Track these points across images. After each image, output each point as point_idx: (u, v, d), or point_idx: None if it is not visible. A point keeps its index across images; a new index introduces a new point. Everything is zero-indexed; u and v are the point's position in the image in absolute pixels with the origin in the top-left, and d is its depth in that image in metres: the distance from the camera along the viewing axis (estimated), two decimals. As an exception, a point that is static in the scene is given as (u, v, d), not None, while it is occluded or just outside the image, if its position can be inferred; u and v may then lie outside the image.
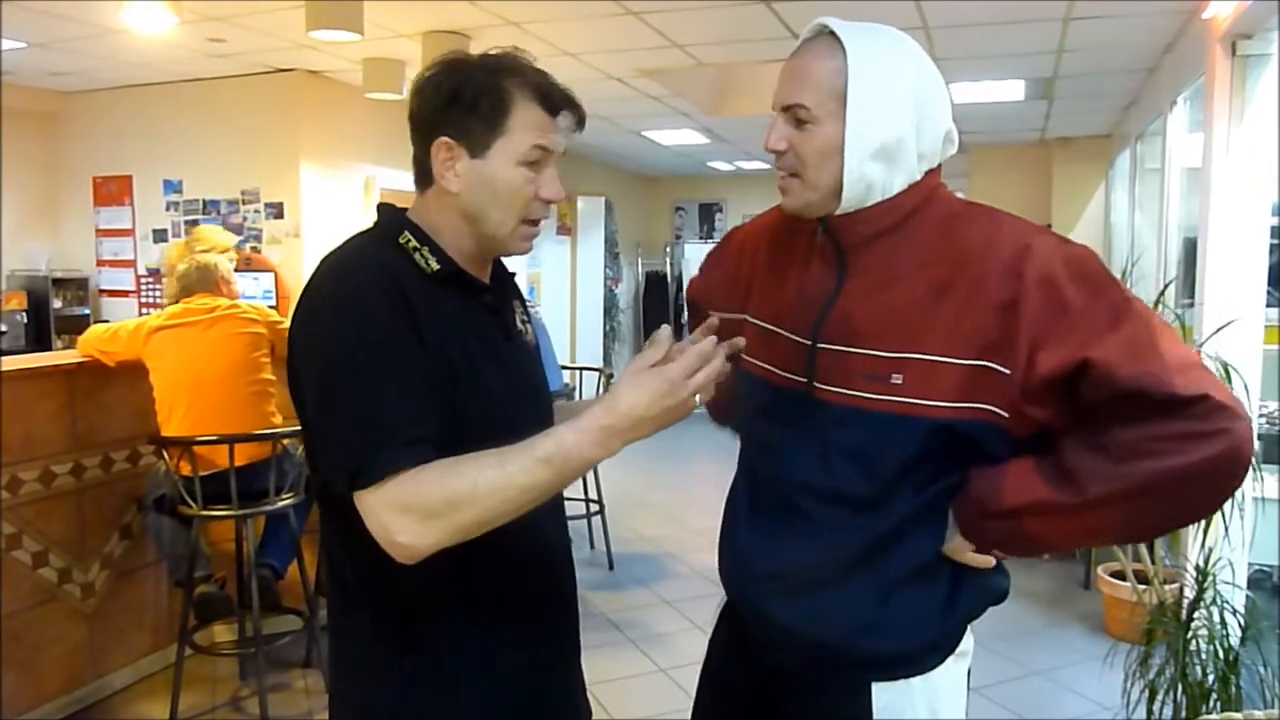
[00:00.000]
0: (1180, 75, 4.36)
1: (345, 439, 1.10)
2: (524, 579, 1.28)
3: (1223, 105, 3.38)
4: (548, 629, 1.33)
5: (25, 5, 3.99)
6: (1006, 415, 1.17)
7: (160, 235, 5.85)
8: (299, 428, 1.22)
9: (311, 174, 5.49)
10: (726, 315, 1.28)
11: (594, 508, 4.86)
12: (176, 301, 3.23)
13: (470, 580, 1.20)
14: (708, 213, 10.95)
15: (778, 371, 1.31)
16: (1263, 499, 3.05)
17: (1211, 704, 2.59)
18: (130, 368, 3.15)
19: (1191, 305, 3.78)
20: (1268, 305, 3.44)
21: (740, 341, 1.18)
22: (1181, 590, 3.00)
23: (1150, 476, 1.10)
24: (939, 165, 1.26)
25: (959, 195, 1.30)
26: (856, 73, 1.19)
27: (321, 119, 5.54)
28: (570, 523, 5.21)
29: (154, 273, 5.90)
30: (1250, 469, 1.12)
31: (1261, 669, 2.55)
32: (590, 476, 4.83)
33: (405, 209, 1.27)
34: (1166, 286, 3.91)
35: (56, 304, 5.85)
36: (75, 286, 6.02)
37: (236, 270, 3.47)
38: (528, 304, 1.47)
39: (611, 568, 4.79)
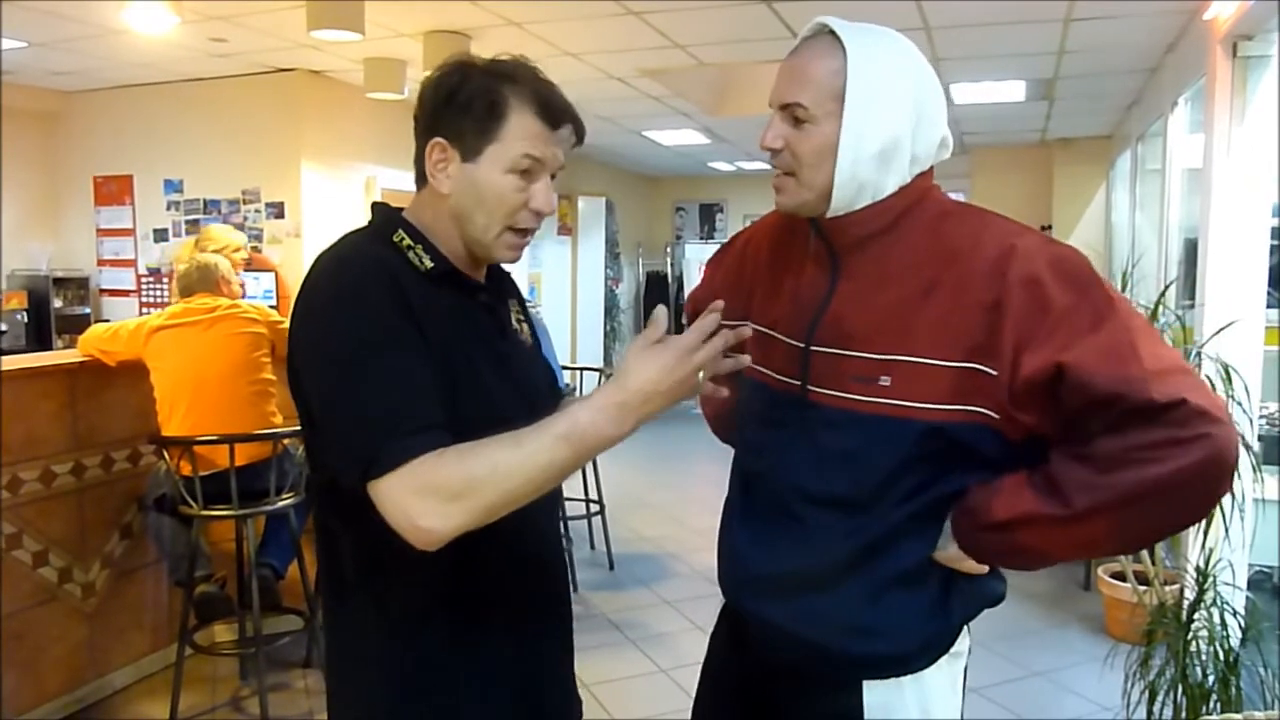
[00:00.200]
0: (1181, 76, 4.36)
1: (356, 431, 1.08)
2: (521, 578, 1.28)
3: (1223, 106, 3.39)
4: (544, 627, 1.33)
5: (26, 5, 3.98)
6: (998, 418, 1.16)
7: (161, 235, 5.85)
8: (299, 427, 1.22)
9: (312, 174, 5.49)
10: (730, 324, 1.28)
11: (594, 508, 4.86)
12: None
13: (469, 579, 1.20)
14: (708, 213, 10.95)
15: (775, 375, 1.31)
16: (1263, 500, 3.05)
17: (1211, 705, 2.58)
18: (131, 367, 3.15)
19: (1192, 306, 3.78)
20: (1268, 306, 3.44)
21: (747, 331, 1.16)
22: (1182, 591, 3.00)
23: (1134, 487, 1.08)
24: (931, 168, 1.26)
25: (959, 197, 1.30)
26: (856, 73, 1.18)
27: (322, 119, 5.54)
28: (570, 523, 5.16)
29: (154, 272, 5.90)
30: (1251, 470, 1.11)
31: (1261, 670, 2.55)
32: (590, 476, 4.83)
33: (400, 208, 1.27)
34: (1167, 287, 3.91)
35: (57, 303, 5.85)
36: (76, 286, 6.01)
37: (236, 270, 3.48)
38: (527, 304, 1.47)
39: (612, 568, 4.79)
